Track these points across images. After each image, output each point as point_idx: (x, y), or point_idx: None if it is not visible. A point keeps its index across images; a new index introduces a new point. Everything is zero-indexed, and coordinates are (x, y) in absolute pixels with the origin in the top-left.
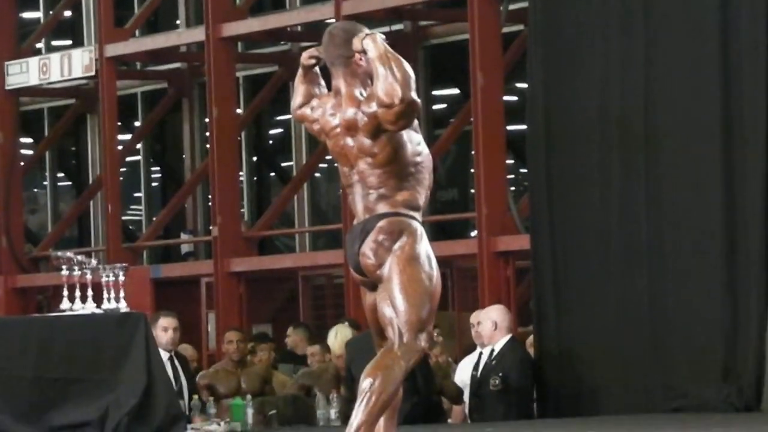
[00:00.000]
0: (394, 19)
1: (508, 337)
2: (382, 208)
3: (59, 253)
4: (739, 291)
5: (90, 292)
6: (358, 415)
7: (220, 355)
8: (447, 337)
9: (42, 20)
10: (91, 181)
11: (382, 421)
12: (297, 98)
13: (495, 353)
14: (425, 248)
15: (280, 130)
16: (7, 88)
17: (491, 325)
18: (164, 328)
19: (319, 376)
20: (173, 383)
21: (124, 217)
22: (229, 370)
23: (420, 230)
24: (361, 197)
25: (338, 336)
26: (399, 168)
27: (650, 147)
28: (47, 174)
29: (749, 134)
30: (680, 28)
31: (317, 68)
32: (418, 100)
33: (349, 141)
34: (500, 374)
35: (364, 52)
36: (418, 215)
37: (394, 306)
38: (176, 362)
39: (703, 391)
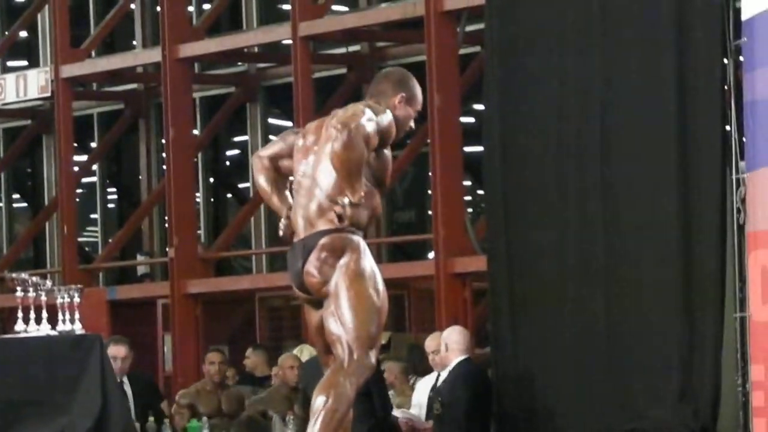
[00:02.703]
0: (351, 40)
1: (462, 357)
2: (322, 224)
3: (14, 275)
4: (696, 312)
5: (45, 314)
6: None
7: (177, 376)
8: (404, 359)
9: None
10: (46, 202)
11: None
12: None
13: (448, 373)
14: (370, 263)
15: (237, 152)
16: None
17: (445, 348)
18: (113, 358)
19: (271, 399)
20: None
21: (80, 239)
22: (209, 390)
23: (363, 245)
24: (302, 212)
25: (306, 354)
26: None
27: (607, 168)
28: (2, 195)
29: (705, 155)
30: (636, 48)
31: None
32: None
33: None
34: (440, 399)
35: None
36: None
37: (342, 323)
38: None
39: (660, 412)
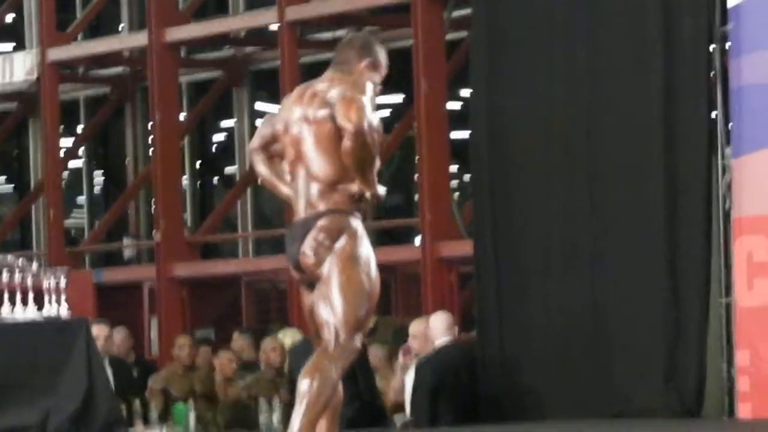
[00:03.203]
0: (338, 25)
1: (447, 339)
2: (323, 206)
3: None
4: (681, 297)
5: (31, 296)
6: (297, 417)
7: (163, 359)
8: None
9: None
10: (33, 185)
11: (324, 424)
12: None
13: (433, 357)
14: (366, 249)
15: (223, 136)
16: None
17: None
18: (95, 337)
19: (257, 382)
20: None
21: (66, 222)
22: (180, 373)
23: (361, 230)
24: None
25: (288, 338)
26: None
27: (593, 154)
28: None
29: (691, 140)
30: (623, 34)
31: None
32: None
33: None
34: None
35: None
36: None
37: (332, 305)
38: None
39: (645, 396)
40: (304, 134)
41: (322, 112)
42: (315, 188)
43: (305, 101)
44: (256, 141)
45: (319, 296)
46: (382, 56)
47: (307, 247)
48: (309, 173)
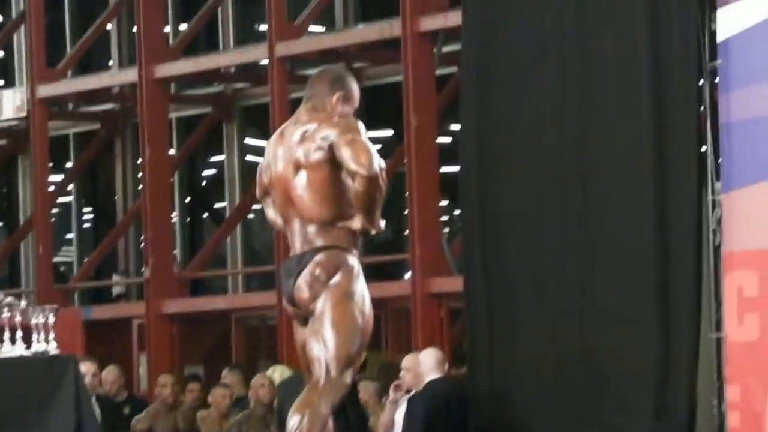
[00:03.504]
0: (327, 60)
1: (435, 376)
2: (320, 241)
3: None
4: (672, 332)
5: (20, 334)
6: None
7: (152, 396)
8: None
9: None
10: (22, 222)
11: None
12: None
13: (422, 393)
14: (361, 286)
15: (213, 171)
16: None
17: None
18: (83, 374)
19: (248, 419)
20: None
21: (55, 258)
22: (164, 412)
23: (357, 267)
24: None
25: (278, 374)
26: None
27: (583, 189)
28: None
29: (681, 175)
30: (612, 70)
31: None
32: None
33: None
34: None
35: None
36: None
37: (324, 340)
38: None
39: (636, 429)
40: (295, 178)
41: (317, 156)
42: (312, 227)
43: (293, 142)
44: (257, 191)
45: (312, 332)
46: (355, 89)
47: (303, 281)
48: (303, 216)
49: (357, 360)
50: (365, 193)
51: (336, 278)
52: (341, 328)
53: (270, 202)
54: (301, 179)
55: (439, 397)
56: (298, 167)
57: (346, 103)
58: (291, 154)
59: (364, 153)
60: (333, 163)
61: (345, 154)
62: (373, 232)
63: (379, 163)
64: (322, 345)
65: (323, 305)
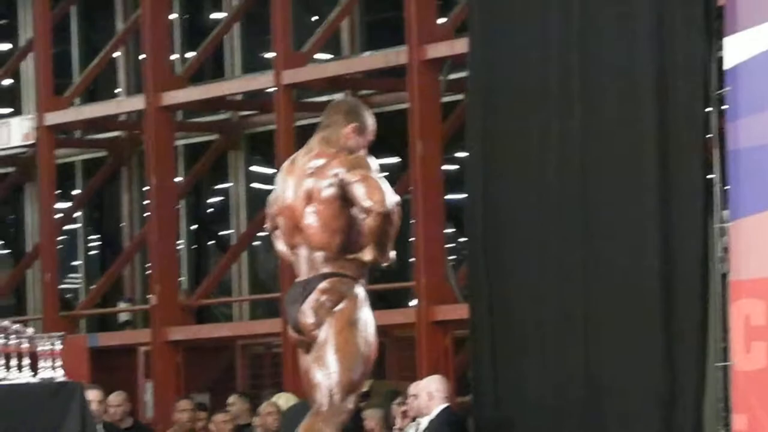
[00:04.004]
0: (334, 88)
1: (443, 406)
2: (327, 268)
3: None
4: (678, 361)
5: (26, 361)
6: None
7: (158, 423)
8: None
9: None
10: (28, 249)
11: None
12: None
13: (428, 422)
14: (365, 314)
15: (219, 199)
16: None
17: (427, 396)
18: (89, 401)
19: None
20: None
21: (62, 286)
22: None
23: (362, 295)
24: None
25: (283, 401)
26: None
27: (588, 217)
28: None
29: (688, 203)
30: (618, 97)
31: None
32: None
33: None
34: None
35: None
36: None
37: (326, 366)
38: None
39: None
40: (306, 207)
41: (329, 191)
42: (320, 255)
43: (305, 172)
44: (268, 224)
45: (315, 359)
46: (370, 122)
47: (307, 307)
48: (311, 244)
49: (359, 386)
50: (378, 228)
51: (341, 305)
52: (344, 354)
53: (279, 235)
54: (312, 210)
55: (448, 426)
56: (309, 198)
57: (360, 135)
58: (302, 183)
59: (377, 190)
60: (344, 198)
61: (358, 192)
62: (384, 264)
63: (394, 199)
64: (325, 371)
65: (327, 332)
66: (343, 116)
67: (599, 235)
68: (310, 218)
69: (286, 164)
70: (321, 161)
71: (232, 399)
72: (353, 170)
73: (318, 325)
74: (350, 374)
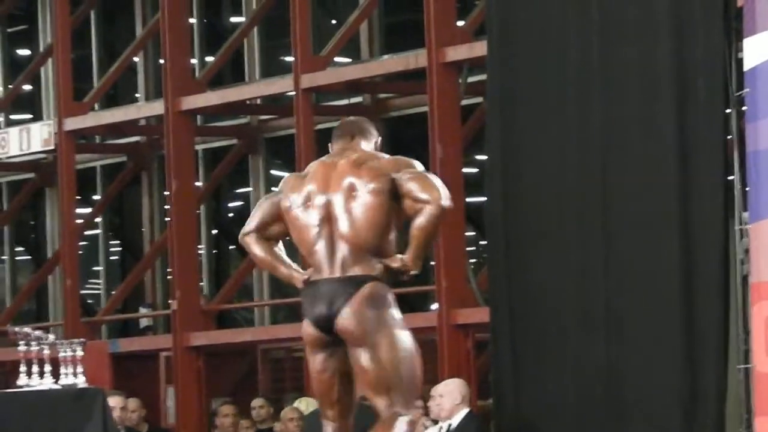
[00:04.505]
0: (353, 92)
1: (466, 410)
2: (359, 269)
3: (16, 329)
4: (699, 364)
5: (48, 368)
6: None
7: (180, 429)
8: None
9: (1, 94)
10: (49, 255)
11: None
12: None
13: (452, 427)
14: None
15: (239, 203)
16: None
17: (450, 399)
18: (111, 407)
19: None
20: None
21: (82, 291)
22: None
23: (393, 297)
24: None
25: (305, 405)
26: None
27: (608, 218)
28: (6, 248)
29: (708, 205)
30: (637, 98)
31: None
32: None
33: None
34: None
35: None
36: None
37: (387, 377)
38: None
39: None
40: (347, 198)
41: (377, 184)
42: (348, 250)
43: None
44: (248, 226)
45: (368, 361)
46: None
47: (353, 311)
48: (344, 237)
49: (420, 389)
50: (431, 225)
51: (384, 310)
52: (404, 362)
53: (255, 240)
54: (358, 203)
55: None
56: (352, 190)
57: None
58: (344, 176)
59: (435, 185)
60: (391, 195)
61: (413, 186)
62: (413, 272)
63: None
64: (385, 382)
65: (376, 337)
66: (374, 128)
67: (619, 236)
68: (351, 207)
69: (311, 171)
70: (367, 156)
71: (260, 401)
72: (407, 168)
73: (364, 330)
74: (411, 377)
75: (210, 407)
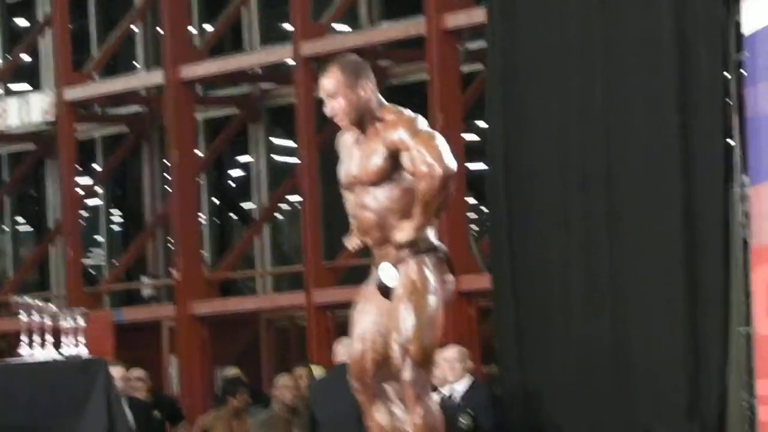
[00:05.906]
0: None
1: (467, 377)
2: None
3: (18, 299)
4: (701, 327)
5: (50, 338)
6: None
7: (183, 398)
8: None
9: (0, 65)
10: (51, 226)
11: None
12: None
13: (460, 394)
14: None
15: (240, 172)
16: None
17: (448, 366)
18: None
19: (273, 423)
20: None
21: (85, 261)
22: (224, 417)
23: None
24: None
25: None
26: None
27: (610, 184)
28: (7, 219)
29: (708, 169)
30: (638, 64)
31: None
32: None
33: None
34: (468, 411)
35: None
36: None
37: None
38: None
39: (667, 429)
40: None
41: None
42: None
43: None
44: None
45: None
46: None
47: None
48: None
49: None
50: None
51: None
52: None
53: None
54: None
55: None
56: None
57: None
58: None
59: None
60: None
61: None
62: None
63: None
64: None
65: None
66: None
67: (621, 203)
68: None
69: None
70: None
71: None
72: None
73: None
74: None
75: (213, 376)
